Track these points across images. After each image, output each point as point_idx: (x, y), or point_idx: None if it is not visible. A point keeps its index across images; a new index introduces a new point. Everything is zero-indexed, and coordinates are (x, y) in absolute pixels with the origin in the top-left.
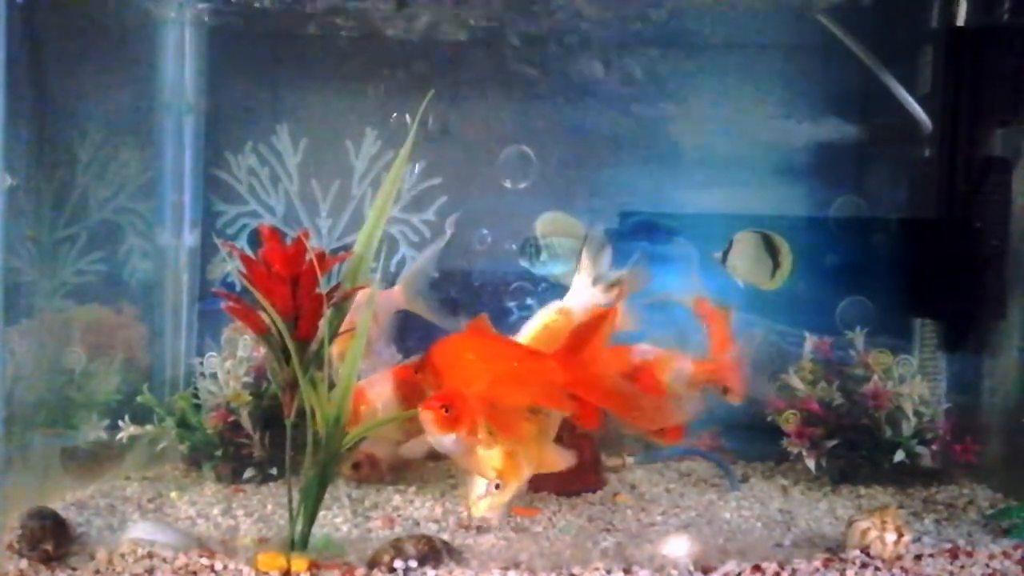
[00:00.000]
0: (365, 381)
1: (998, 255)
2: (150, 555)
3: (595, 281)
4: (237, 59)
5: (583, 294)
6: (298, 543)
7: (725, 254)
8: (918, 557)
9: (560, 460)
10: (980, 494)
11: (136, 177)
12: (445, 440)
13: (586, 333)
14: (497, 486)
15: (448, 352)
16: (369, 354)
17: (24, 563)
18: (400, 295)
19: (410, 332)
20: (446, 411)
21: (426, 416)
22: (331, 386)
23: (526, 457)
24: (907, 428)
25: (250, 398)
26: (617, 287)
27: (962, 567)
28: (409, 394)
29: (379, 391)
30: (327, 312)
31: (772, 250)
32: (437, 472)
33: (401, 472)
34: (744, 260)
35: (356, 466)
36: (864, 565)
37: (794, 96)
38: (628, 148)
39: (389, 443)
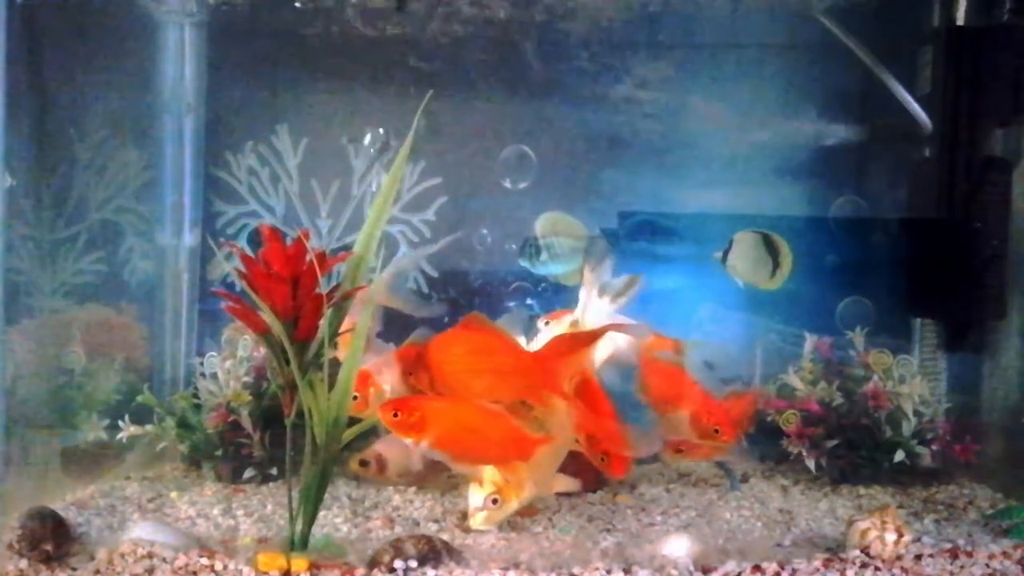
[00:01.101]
0: (371, 365)
1: (998, 255)
2: (150, 555)
3: (601, 291)
4: (237, 59)
5: (591, 306)
6: (298, 543)
7: (725, 254)
8: (918, 557)
9: (565, 485)
10: (980, 494)
11: (136, 177)
12: (407, 442)
13: (570, 344)
14: (495, 501)
15: (437, 351)
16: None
17: (24, 563)
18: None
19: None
20: (395, 415)
21: (382, 417)
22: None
23: (531, 477)
24: (907, 428)
25: (250, 398)
26: (623, 294)
27: (962, 567)
28: (414, 374)
29: (385, 374)
30: (327, 312)
31: (772, 250)
32: (437, 474)
33: (411, 478)
34: (744, 260)
35: (364, 463)
36: (864, 565)
37: (794, 96)
38: (628, 148)
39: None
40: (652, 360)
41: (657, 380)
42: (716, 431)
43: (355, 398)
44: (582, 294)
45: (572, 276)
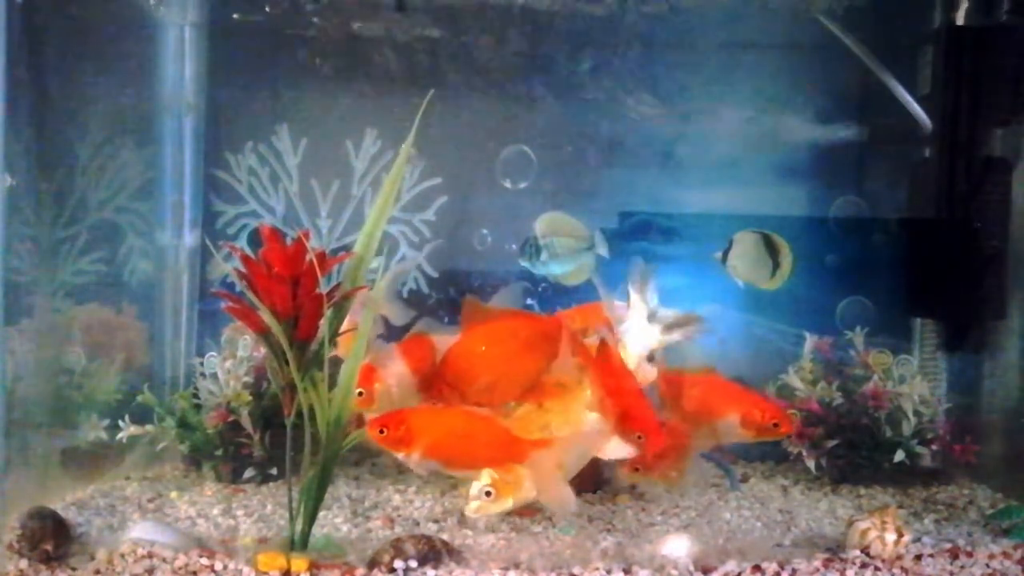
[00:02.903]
0: (373, 359)
1: (998, 255)
2: (150, 555)
3: (651, 317)
4: (237, 59)
5: (641, 332)
6: (298, 543)
7: (725, 254)
8: (918, 557)
9: (564, 502)
10: (980, 494)
11: (136, 177)
12: (398, 456)
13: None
14: (488, 493)
15: (455, 360)
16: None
17: (24, 563)
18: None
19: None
20: (382, 432)
21: (370, 435)
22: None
23: (531, 480)
24: (907, 428)
25: (250, 398)
26: (678, 328)
27: (962, 567)
28: (421, 366)
29: (390, 368)
30: (327, 312)
31: (772, 250)
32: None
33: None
34: (744, 260)
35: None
36: (864, 565)
37: (794, 96)
38: (628, 148)
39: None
40: (688, 373)
41: (699, 391)
42: (775, 425)
43: (360, 394)
44: (630, 317)
45: (572, 276)
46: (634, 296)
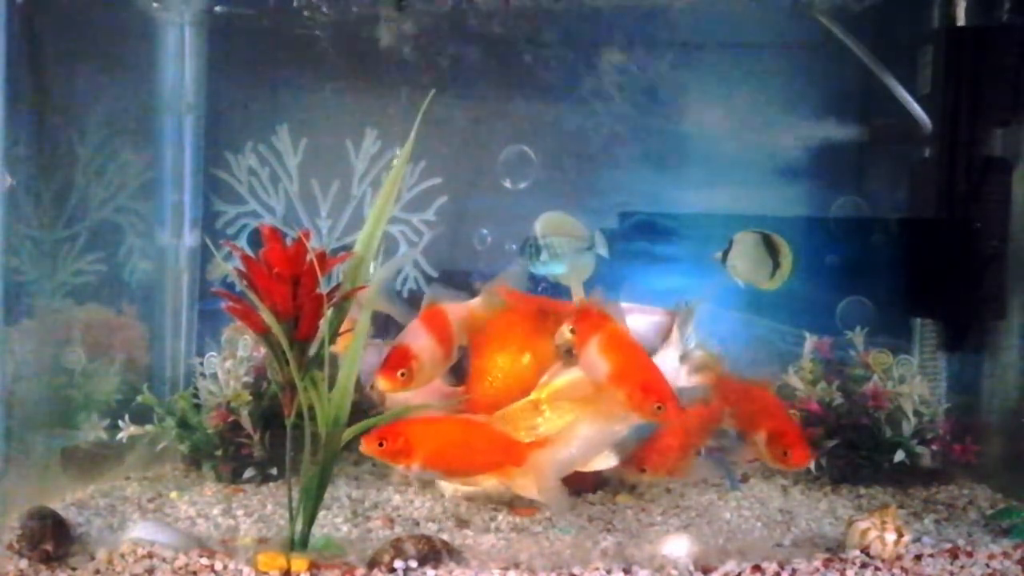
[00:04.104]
0: (401, 337)
1: (998, 255)
2: (150, 555)
3: (683, 358)
4: (237, 59)
5: (670, 368)
6: (298, 543)
7: (725, 254)
8: (918, 557)
9: (562, 502)
10: (980, 494)
11: (136, 177)
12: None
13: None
14: None
15: (482, 378)
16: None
17: (24, 563)
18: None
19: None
20: (381, 445)
21: (369, 449)
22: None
23: (535, 482)
24: (907, 428)
25: (250, 398)
26: (702, 372)
27: (962, 567)
28: (443, 335)
29: (421, 344)
30: (327, 312)
31: (772, 250)
32: None
33: None
34: (744, 260)
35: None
36: (864, 565)
37: (794, 96)
38: (628, 148)
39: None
40: (736, 382)
41: (744, 402)
42: (784, 453)
43: (402, 375)
44: (663, 352)
45: (573, 276)
46: (675, 334)
